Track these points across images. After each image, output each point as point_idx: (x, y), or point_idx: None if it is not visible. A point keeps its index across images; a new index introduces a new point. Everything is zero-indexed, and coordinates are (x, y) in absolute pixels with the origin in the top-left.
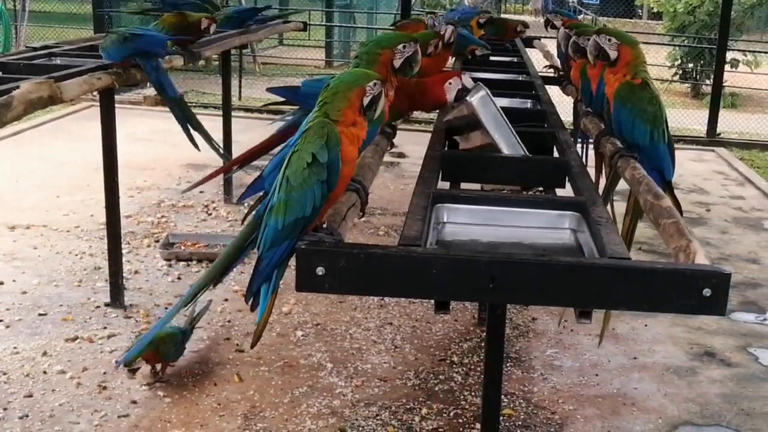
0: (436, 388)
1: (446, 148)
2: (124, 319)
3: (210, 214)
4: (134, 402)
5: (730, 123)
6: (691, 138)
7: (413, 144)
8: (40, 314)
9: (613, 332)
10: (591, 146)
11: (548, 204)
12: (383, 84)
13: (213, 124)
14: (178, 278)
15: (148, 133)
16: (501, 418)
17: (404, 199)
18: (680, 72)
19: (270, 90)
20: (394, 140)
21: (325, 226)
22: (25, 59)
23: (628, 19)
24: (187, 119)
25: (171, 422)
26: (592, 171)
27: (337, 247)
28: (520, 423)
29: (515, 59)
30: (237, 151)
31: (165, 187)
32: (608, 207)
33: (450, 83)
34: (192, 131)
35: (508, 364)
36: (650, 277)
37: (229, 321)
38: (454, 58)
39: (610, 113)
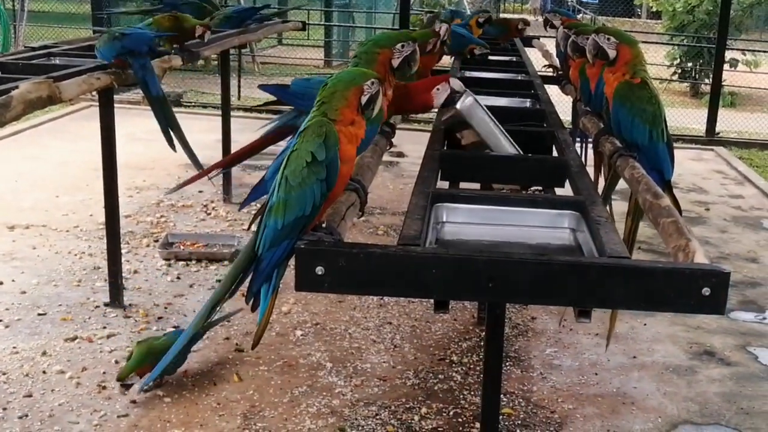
0: (436, 388)
1: (445, 148)
2: (124, 319)
3: (209, 214)
4: (134, 402)
5: (729, 122)
6: (690, 137)
7: (412, 143)
8: (39, 314)
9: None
10: (590, 145)
11: (547, 203)
12: (381, 83)
13: (212, 123)
14: (178, 278)
15: (147, 133)
16: (500, 417)
17: (403, 199)
18: (679, 71)
19: (261, 87)
20: (393, 139)
21: (324, 225)
22: (24, 59)
23: (627, 19)
24: (167, 120)
25: (170, 422)
26: (591, 170)
27: (337, 246)
28: (519, 422)
29: (514, 58)
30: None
31: (164, 187)
32: (607, 206)
33: (438, 89)
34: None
35: (507, 364)
36: (649, 277)
37: (228, 321)
38: (453, 58)
39: (609, 112)
